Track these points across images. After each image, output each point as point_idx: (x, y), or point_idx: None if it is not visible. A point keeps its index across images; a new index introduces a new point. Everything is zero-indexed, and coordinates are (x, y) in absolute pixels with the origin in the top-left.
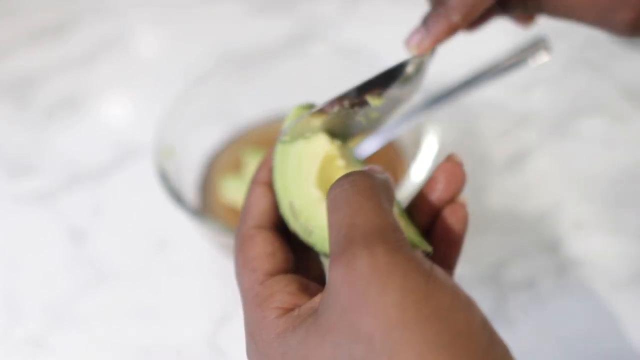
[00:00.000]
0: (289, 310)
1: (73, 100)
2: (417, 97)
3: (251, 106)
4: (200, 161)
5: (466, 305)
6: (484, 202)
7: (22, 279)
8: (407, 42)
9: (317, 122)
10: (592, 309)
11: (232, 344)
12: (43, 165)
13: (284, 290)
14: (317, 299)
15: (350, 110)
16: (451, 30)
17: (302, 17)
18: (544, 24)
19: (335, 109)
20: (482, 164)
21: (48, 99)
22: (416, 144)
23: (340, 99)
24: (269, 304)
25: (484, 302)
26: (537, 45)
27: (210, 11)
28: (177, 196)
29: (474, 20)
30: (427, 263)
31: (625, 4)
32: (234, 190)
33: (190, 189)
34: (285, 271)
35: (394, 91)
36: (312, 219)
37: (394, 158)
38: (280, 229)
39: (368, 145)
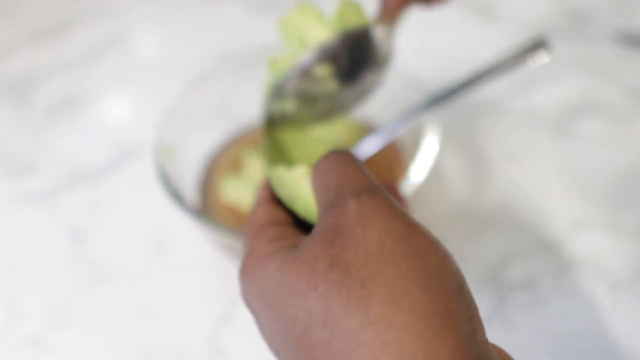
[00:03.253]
0: (276, 240)
1: (73, 100)
2: (417, 97)
3: (251, 106)
4: (200, 161)
5: (442, 253)
6: (483, 202)
7: (22, 279)
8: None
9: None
10: (592, 309)
11: (232, 344)
12: (43, 165)
13: (276, 229)
14: (302, 238)
15: (309, 81)
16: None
17: None
18: (544, 24)
19: (296, 75)
20: (481, 164)
21: (48, 99)
22: (416, 144)
23: (298, 69)
24: (260, 238)
25: (484, 302)
26: (537, 45)
27: (210, 11)
28: (177, 196)
29: None
30: (410, 215)
31: None
32: (234, 190)
33: (190, 189)
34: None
35: (355, 70)
36: (297, 189)
37: (394, 158)
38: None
39: (368, 146)
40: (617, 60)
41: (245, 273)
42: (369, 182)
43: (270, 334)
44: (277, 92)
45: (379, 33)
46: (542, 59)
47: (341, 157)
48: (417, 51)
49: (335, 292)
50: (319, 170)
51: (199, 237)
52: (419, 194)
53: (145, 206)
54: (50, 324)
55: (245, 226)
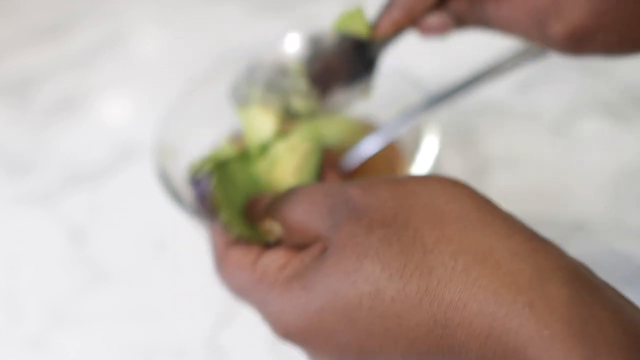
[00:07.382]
0: (286, 264)
1: (73, 100)
2: (417, 97)
3: None
4: None
5: (446, 180)
6: None
7: (22, 279)
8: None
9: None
10: None
11: (232, 344)
12: (43, 165)
13: (274, 257)
14: (303, 250)
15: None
16: (395, 25)
17: (302, 17)
18: None
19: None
20: (481, 164)
21: (48, 99)
22: (416, 144)
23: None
24: (267, 274)
25: None
26: (537, 45)
27: (210, 11)
28: (177, 196)
29: (417, 19)
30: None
31: (559, 17)
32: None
33: (190, 189)
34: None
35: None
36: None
37: (394, 158)
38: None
39: (368, 146)
40: (617, 60)
41: (279, 320)
42: (345, 183)
43: (338, 346)
44: (246, 79)
45: (368, 49)
46: (542, 59)
47: (303, 192)
48: (417, 51)
49: (386, 246)
50: (296, 216)
51: (199, 237)
52: None
53: (145, 206)
54: (50, 324)
55: (232, 282)
